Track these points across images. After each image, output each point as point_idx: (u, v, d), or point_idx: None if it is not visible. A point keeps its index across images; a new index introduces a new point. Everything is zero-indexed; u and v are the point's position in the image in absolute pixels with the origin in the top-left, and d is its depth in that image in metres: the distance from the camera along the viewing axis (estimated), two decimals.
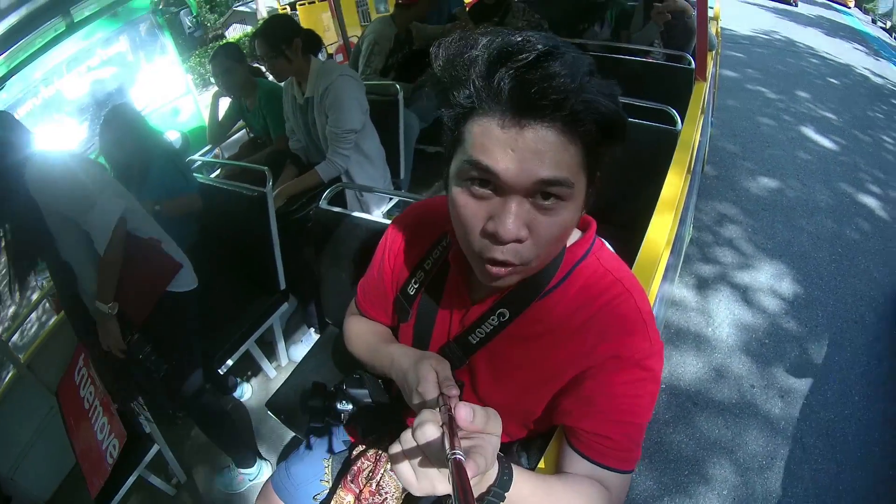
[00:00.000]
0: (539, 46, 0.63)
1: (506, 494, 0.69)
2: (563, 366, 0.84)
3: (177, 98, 5.91)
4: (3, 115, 1.76)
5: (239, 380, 2.67)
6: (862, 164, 5.34)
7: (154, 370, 1.85)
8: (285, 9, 10.77)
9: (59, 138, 4.97)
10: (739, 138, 5.59)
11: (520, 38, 0.64)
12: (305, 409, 1.04)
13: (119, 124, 2.31)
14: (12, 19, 2.05)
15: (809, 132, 5.99)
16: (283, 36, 2.33)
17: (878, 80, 9.53)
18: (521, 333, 0.87)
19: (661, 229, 1.52)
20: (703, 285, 3.38)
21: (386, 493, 1.05)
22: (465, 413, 0.59)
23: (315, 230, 1.90)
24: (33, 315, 2.77)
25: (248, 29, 14.66)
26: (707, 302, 3.25)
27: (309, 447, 1.31)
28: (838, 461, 2.37)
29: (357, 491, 1.09)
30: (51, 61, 4.77)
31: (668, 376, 2.74)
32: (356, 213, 1.83)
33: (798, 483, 2.27)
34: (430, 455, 0.59)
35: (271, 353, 2.74)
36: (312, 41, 2.46)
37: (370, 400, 1.00)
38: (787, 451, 2.40)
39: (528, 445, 1.00)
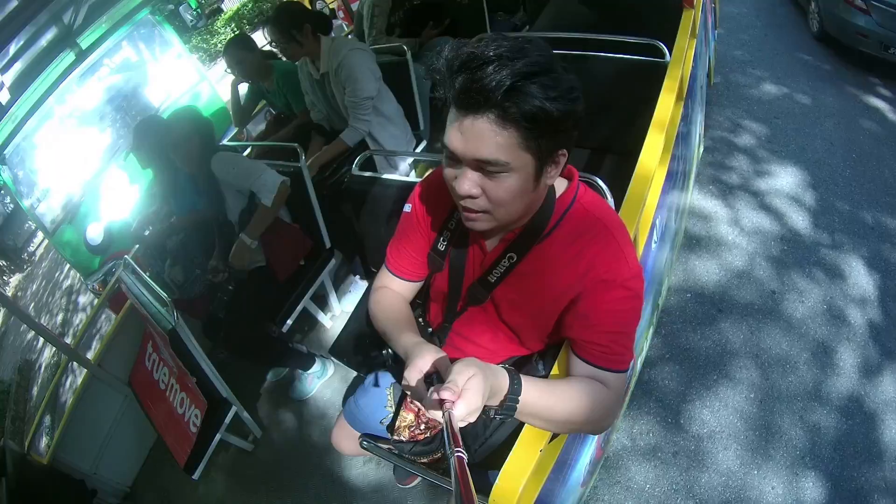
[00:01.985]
0: (489, 54, 0.83)
1: (519, 398, 0.94)
2: (563, 290, 1.07)
3: (193, 87, 6.00)
4: (197, 111, 2.40)
5: (300, 336, 2.94)
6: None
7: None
8: None
9: (83, 148, 5.12)
10: (747, 46, 5.46)
11: (477, 51, 0.84)
12: (369, 359, 1.26)
13: (152, 134, 2.51)
14: (24, 62, 2.20)
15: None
16: (293, 23, 2.50)
17: None
18: (528, 270, 1.11)
19: (653, 150, 1.70)
20: (720, 194, 3.48)
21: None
22: (450, 395, 0.81)
23: (351, 194, 2.11)
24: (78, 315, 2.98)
25: None
26: (726, 210, 3.36)
27: (373, 381, 1.55)
28: (859, 365, 2.50)
29: (417, 409, 1.33)
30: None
31: (693, 283, 2.89)
32: (385, 175, 2.03)
33: (821, 384, 2.42)
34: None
35: (325, 306, 2.97)
36: (322, 22, 2.63)
37: None
38: (810, 354, 2.54)
39: (544, 355, 1.24)
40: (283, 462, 2.50)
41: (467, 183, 0.93)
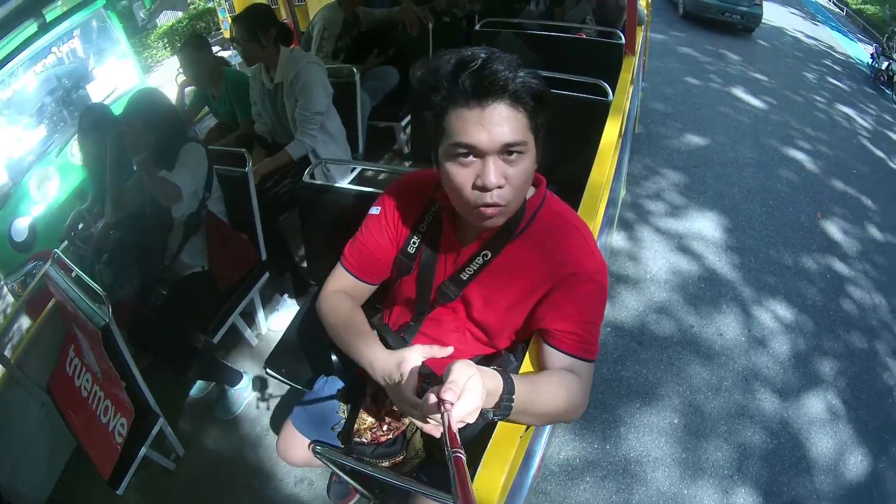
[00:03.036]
0: (482, 55, 0.94)
1: (514, 398, 0.96)
2: (534, 286, 1.14)
3: (133, 89, 5.59)
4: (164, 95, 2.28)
5: (223, 353, 2.81)
6: (793, 122, 5.70)
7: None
8: None
9: (18, 137, 4.81)
10: (671, 100, 5.82)
11: (469, 53, 0.95)
12: (316, 366, 1.25)
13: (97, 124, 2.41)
14: None
15: (740, 93, 6.29)
16: (260, 24, 2.53)
17: (812, 43, 10.02)
18: (501, 266, 1.17)
19: (599, 177, 1.82)
20: (639, 237, 3.65)
21: None
22: (451, 396, 0.82)
23: (300, 202, 2.09)
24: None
25: (180, 14, 14.23)
26: (644, 251, 3.52)
27: (322, 387, 1.54)
28: (779, 388, 2.68)
29: (377, 410, 1.31)
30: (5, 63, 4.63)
31: (612, 319, 2.98)
32: (337, 185, 2.03)
33: (745, 408, 2.57)
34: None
35: (251, 323, 2.88)
36: (285, 33, 2.66)
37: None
38: (731, 381, 2.69)
39: (513, 349, 1.28)
40: (207, 483, 2.35)
41: (495, 174, 0.98)
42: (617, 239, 3.59)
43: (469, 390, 0.84)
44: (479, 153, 0.97)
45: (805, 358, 2.88)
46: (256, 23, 2.53)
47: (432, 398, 0.83)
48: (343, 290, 1.34)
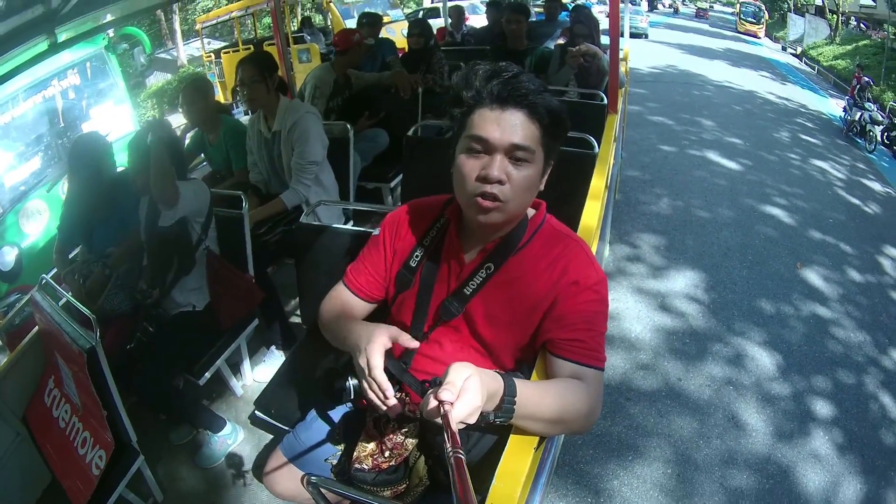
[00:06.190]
0: (514, 70, 1.08)
1: (516, 399, 0.98)
2: (538, 298, 1.16)
3: (125, 135, 5.61)
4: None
5: (207, 401, 2.76)
6: (768, 181, 5.90)
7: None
8: (210, 56, 10.87)
9: (14, 165, 4.85)
10: (648, 168, 6.02)
11: (503, 65, 1.09)
12: (329, 392, 1.27)
13: (90, 152, 2.43)
14: None
15: (715, 157, 6.51)
16: (268, 66, 2.65)
17: (783, 103, 10.41)
18: (504, 280, 1.20)
19: (590, 221, 1.92)
20: (622, 298, 3.70)
21: (405, 431, 1.26)
22: (449, 396, 0.85)
23: (297, 243, 2.13)
24: None
25: (169, 76, 14.68)
26: (628, 312, 3.56)
27: (317, 416, 1.52)
28: (770, 430, 2.69)
29: (378, 436, 1.29)
30: (8, 87, 4.69)
31: None
32: (335, 225, 2.06)
33: (737, 452, 2.56)
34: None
35: (237, 373, 2.83)
36: (283, 83, 2.77)
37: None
38: (721, 428, 2.68)
39: (519, 367, 1.28)
40: None
41: (497, 169, 1.06)
42: None
43: (468, 390, 0.86)
44: (490, 148, 1.07)
45: (794, 398, 2.91)
46: (265, 65, 2.64)
47: (432, 401, 0.85)
48: (339, 301, 1.38)
